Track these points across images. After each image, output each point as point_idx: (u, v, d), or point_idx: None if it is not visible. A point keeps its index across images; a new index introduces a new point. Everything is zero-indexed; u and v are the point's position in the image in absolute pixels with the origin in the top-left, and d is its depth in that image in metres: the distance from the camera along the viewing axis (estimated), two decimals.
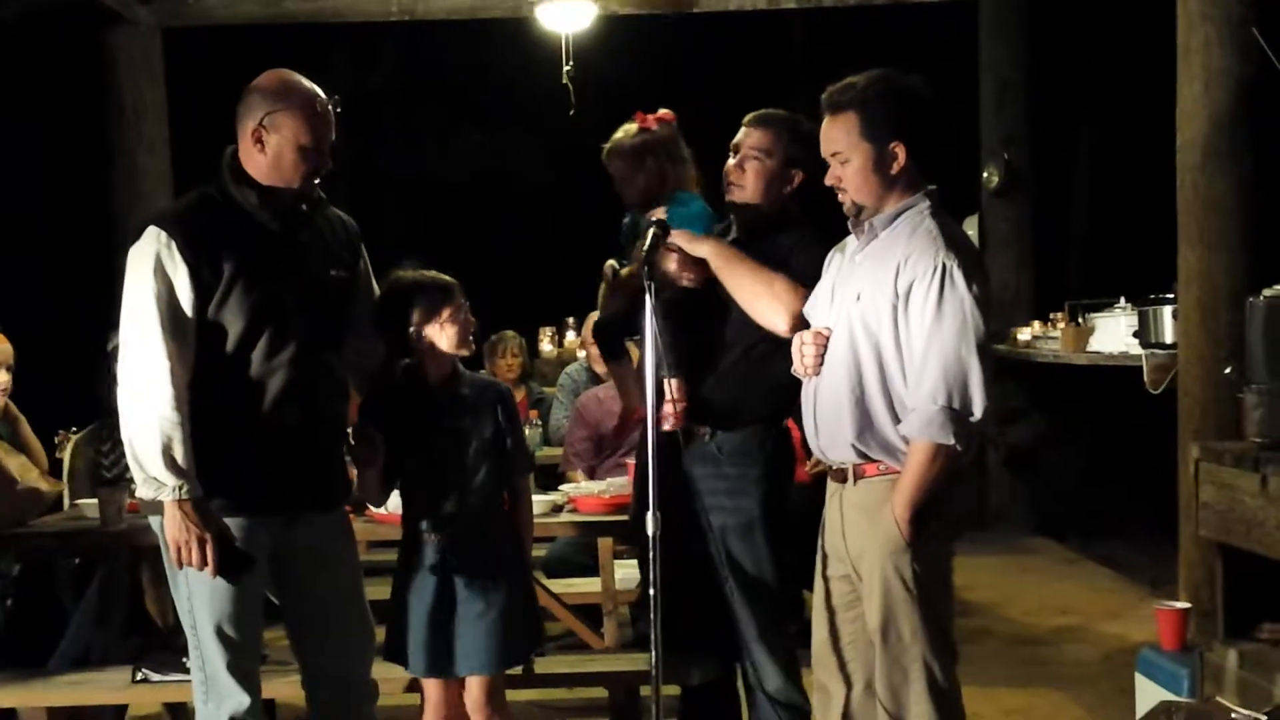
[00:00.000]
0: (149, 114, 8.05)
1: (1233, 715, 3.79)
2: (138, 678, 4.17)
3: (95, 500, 4.34)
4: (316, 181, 3.35)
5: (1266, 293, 4.37)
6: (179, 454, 3.13)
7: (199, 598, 3.26)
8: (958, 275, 3.02)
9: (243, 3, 8.06)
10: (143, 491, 3.19)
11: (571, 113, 7.22)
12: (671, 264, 3.55)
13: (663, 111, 3.80)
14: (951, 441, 3.00)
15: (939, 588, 3.15)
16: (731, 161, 3.70)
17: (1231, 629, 4.32)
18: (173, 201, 3.33)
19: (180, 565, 3.20)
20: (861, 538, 3.17)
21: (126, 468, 4.82)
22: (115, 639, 4.69)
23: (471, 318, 3.55)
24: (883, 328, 3.10)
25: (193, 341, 3.19)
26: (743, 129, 3.72)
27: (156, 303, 3.15)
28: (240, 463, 3.25)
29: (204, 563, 3.16)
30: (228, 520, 3.23)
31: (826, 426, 3.21)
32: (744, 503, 3.62)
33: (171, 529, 3.16)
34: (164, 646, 4.48)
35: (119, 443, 4.85)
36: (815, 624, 3.34)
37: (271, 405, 3.27)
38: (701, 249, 3.52)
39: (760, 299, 3.45)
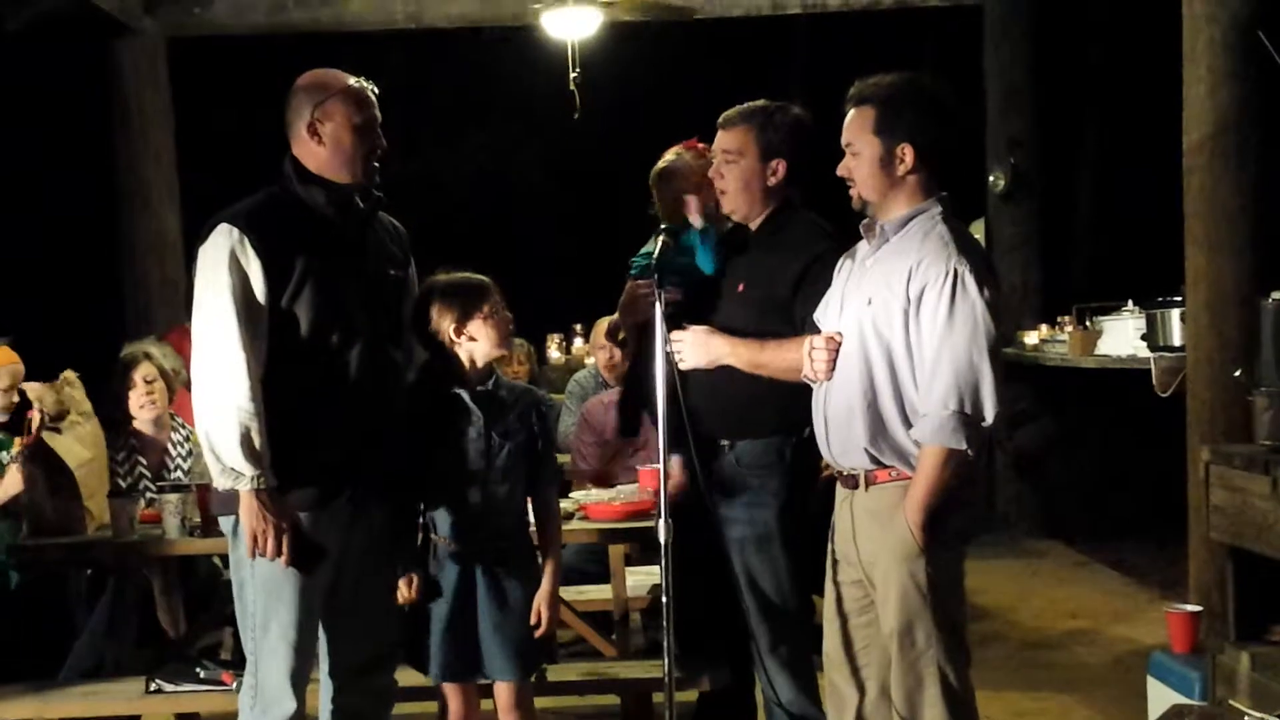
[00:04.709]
0: (154, 123, 8.08)
1: (1245, 718, 3.79)
2: (151, 688, 4.18)
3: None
4: (376, 170, 3.44)
5: (1276, 295, 4.35)
6: (257, 443, 3.20)
7: (263, 601, 3.32)
8: (970, 281, 3.04)
9: (247, 12, 8.10)
10: (220, 482, 3.24)
11: (576, 116, 7.23)
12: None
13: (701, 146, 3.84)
14: (964, 446, 3.02)
15: (953, 591, 3.16)
16: (712, 170, 3.69)
17: (1243, 631, 4.31)
18: (241, 201, 3.42)
19: (254, 555, 3.25)
20: (874, 543, 3.17)
21: (140, 477, 4.88)
22: (127, 650, 4.70)
23: (508, 314, 3.55)
24: (894, 332, 3.11)
25: (265, 334, 3.26)
26: (717, 133, 3.69)
27: (232, 296, 3.23)
28: (311, 456, 3.31)
29: (279, 552, 3.23)
30: (303, 514, 3.29)
31: (838, 431, 3.22)
32: (761, 514, 3.59)
33: (249, 518, 3.22)
34: (176, 657, 4.48)
35: (132, 451, 4.92)
36: (827, 629, 3.34)
37: (341, 399, 3.34)
38: (720, 358, 3.48)
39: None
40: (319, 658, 3.52)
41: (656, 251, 3.42)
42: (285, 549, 3.23)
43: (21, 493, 4.44)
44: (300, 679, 3.36)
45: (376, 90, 3.45)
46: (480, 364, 3.53)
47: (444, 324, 3.48)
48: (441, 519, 3.52)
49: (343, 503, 3.36)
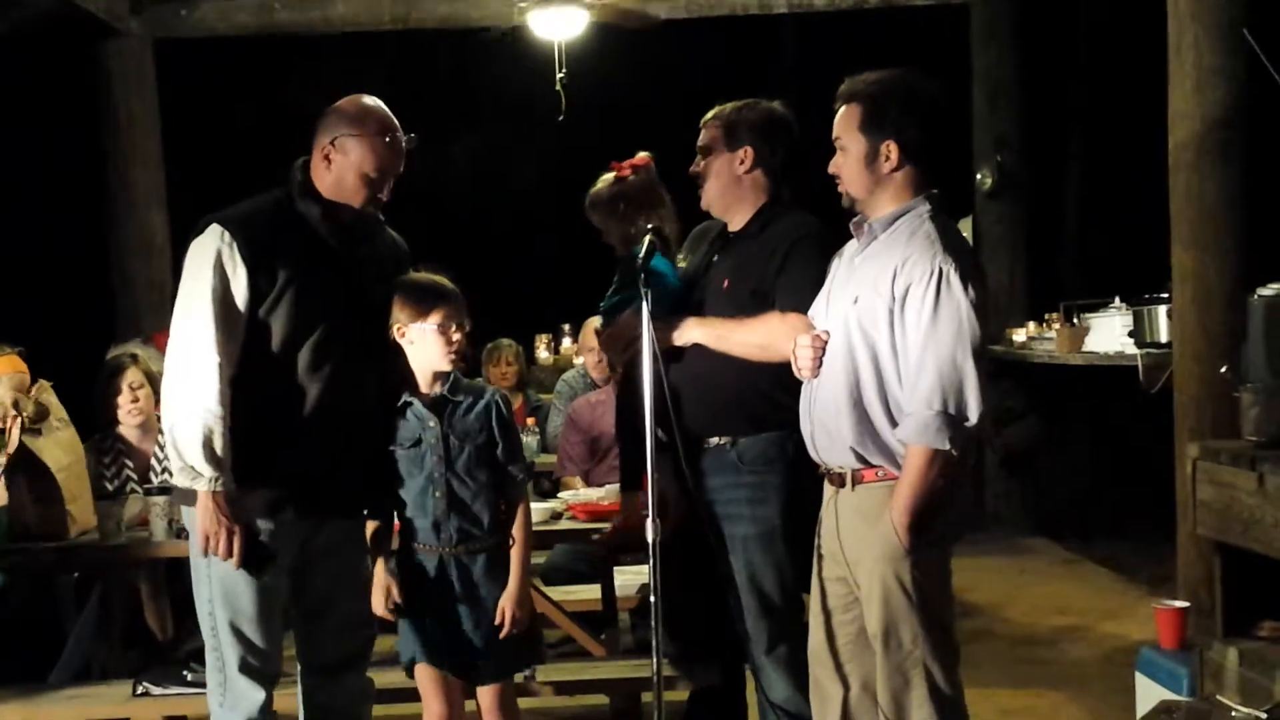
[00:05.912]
0: (141, 126, 8.06)
1: (1233, 714, 3.80)
2: (138, 691, 4.18)
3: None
4: (377, 205, 3.45)
5: (1263, 291, 4.37)
6: (218, 446, 3.22)
7: (219, 597, 3.33)
8: (954, 280, 3.03)
9: (235, 13, 8.08)
10: (179, 480, 3.27)
11: (561, 118, 7.22)
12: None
13: (639, 156, 3.84)
14: (947, 446, 3.01)
15: (939, 591, 3.15)
16: (693, 166, 3.73)
17: (1230, 627, 4.32)
18: (241, 202, 3.43)
19: (206, 553, 3.27)
20: (859, 542, 3.16)
21: (127, 480, 4.87)
22: (115, 653, 4.69)
23: (462, 330, 3.48)
24: (879, 331, 3.11)
25: (241, 339, 3.27)
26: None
27: (212, 297, 3.24)
28: (276, 465, 3.32)
29: (229, 553, 3.25)
30: (258, 520, 3.31)
31: (825, 430, 3.21)
32: (765, 512, 3.55)
33: (203, 519, 3.24)
34: (164, 660, 4.48)
35: (119, 455, 4.91)
36: (812, 625, 3.34)
37: (310, 412, 3.33)
38: (690, 336, 3.53)
39: (773, 345, 3.40)
40: (299, 658, 3.55)
41: (643, 251, 3.44)
42: (236, 551, 3.25)
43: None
44: (264, 671, 3.38)
45: (414, 145, 3.44)
46: (421, 372, 3.48)
47: (396, 320, 3.46)
48: (410, 525, 3.52)
49: (301, 510, 3.36)
